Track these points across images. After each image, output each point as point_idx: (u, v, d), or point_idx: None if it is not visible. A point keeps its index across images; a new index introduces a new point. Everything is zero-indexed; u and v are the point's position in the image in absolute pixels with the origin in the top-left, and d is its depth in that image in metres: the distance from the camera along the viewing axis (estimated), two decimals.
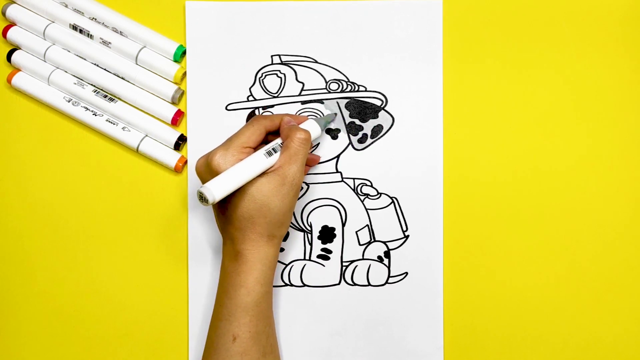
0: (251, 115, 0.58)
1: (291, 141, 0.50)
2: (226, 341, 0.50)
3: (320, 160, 0.58)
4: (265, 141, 0.53)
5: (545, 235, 0.58)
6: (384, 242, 0.58)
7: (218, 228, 0.53)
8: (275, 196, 0.49)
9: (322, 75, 0.58)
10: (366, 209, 0.58)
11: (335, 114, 0.57)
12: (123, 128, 0.58)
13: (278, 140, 0.52)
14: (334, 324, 0.58)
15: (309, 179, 0.58)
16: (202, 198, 0.47)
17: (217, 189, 0.47)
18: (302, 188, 0.58)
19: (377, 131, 0.58)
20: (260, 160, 0.50)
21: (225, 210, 0.50)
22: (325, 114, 0.57)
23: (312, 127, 0.53)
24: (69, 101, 0.58)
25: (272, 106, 0.57)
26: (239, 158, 0.49)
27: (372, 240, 0.58)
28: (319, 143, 0.58)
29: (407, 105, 0.58)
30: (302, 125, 0.53)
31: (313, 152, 0.58)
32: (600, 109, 0.58)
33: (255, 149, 0.51)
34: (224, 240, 0.52)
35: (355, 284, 0.58)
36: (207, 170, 0.49)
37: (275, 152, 0.51)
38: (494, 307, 0.58)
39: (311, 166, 0.57)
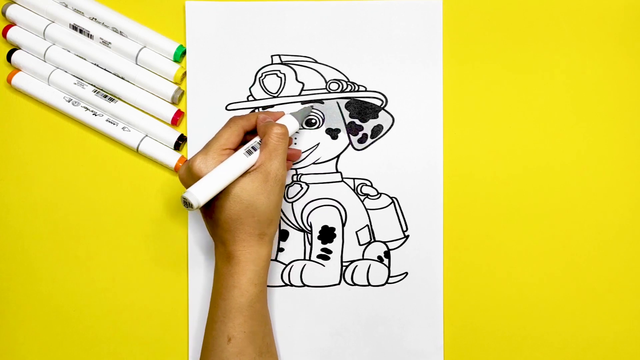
0: None
1: (269, 137, 0.50)
2: (221, 342, 0.50)
3: (320, 160, 0.58)
4: (244, 141, 0.52)
5: (545, 235, 0.58)
6: (384, 242, 0.58)
7: (208, 232, 0.53)
8: (260, 194, 0.49)
9: (322, 75, 0.58)
10: (366, 209, 0.58)
11: (312, 106, 0.57)
12: (123, 128, 0.58)
13: (257, 139, 0.51)
14: (334, 324, 0.58)
15: (309, 179, 0.58)
16: (187, 203, 0.47)
17: (200, 193, 0.47)
18: (302, 188, 0.58)
19: (377, 131, 0.58)
20: (240, 160, 0.49)
21: (212, 213, 0.50)
22: (302, 109, 0.57)
23: (289, 122, 0.53)
24: (69, 101, 0.58)
25: (272, 106, 0.57)
26: (220, 160, 0.49)
27: (372, 240, 0.58)
28: (318, 143, 0.58)
29: (407, 105, 0.58)
30: (279, 121, 0.53)
31: (312, 152, 0.58)
32: (599, 108, 0.58)
33: (235, 150, 0.51)
34: (216, 244, 0.52)
35: (355, 284, 0.58)
36: (190, 177, 0.49)
37: (255, 150, 0.50)
38: (494, 307, 0.58)
39: (293, 161, 0.57)
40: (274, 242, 0.57)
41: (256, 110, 0.58)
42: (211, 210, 0.50)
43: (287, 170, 0.54)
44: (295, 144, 0.57)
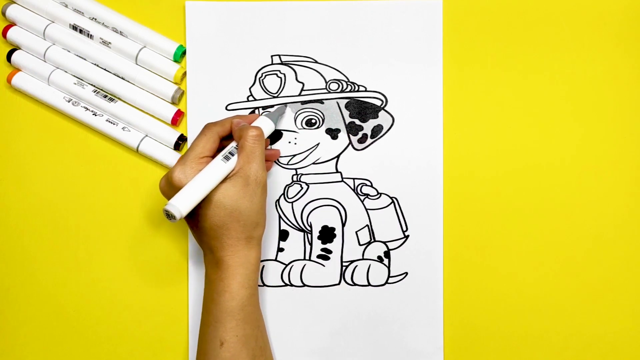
0: None
1: (245, 140, 0.50)
2: (214, 347, 0.50)
3: (320, 160, 0.58)
4: (220, 148, 0.52)
5: (545, 235, 0.58)
6: (384, 242, 0.58)
7: (196, 241, 0.53)
8: (243, 198, 0.49)
9: (322, 75, 0.58)
10: (366, 209, 0.58)
11: (286, 105, 0.57)
12: (123, 128, 0.58)
13: (233, 144, 0.51)
14: (334, 324, 0.58)
15: (309, 179, 0.58)
16: (169, 215, 0.47)
17: (182, 203, 0.47)
18: (302, 188, 0.58)
19: (377, 131, 0.58)
20: (219, 166, 0.49)
21: (197, 222, 0.50)
22: (275, 109, 0.57)
23: (264, 123, 0.53)
24: (69, 101, 0.58)
25: (272, 106, 0.57)
26: (198, 169, 0.49)
27: (372, 240, 0.58)
28: (318, 143, 0.58)
29: (407, 105, 0.58)
30: (253, 123, 0.53)
31: (312, 152, 0.58)
32: (598, 109, 0.58)
33: (213, 157, 0.51)
34: (204, 252, 0.52)
35: (355, 284, 0.58)
36: (170, 189, 0.49)
37: (233, 155, 0.50)
38: (494, 306, 0.58)
39: (272, 161, 0.57)
40: (275, 243, 0.58)
41: (256, 111, 0.58)
42: (196, 219, 0.50)
43: (267, 171, 0.54)
44: (295, 144, 0.57)
